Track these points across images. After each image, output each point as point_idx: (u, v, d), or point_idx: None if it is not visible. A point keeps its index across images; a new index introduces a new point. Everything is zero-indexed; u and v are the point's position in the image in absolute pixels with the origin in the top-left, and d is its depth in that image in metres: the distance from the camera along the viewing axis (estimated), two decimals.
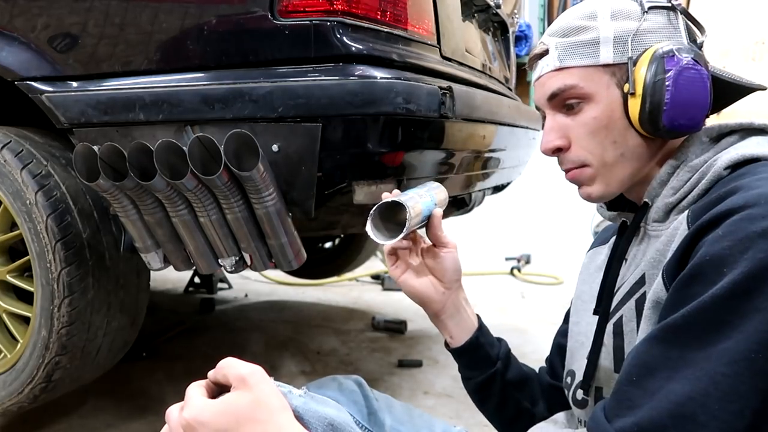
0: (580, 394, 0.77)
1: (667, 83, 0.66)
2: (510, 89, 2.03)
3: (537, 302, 3.09)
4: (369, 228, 0.81)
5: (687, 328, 0.54)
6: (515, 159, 1.80)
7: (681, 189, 0.68)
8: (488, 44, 1.81)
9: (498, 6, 1.77)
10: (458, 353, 0.93)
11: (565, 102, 0.72)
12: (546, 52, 0.73)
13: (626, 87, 0.68)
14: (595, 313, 0.77)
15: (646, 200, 0.72)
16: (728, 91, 0.74)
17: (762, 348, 0.50)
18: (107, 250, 1.26)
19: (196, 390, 0.60)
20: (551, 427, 0.89)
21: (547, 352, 0.99)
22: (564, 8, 5.01)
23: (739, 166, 0.64)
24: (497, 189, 2.06)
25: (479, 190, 1.81)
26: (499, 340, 0.95)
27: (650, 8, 0.70)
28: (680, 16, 0.70)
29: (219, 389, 0.61)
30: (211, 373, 0.61)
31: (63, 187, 1.22)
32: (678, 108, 0.66)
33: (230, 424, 0.55)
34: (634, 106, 0.68)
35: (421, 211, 0.81)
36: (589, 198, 0.76)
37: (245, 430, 0.55)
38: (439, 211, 0.86)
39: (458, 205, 1.81)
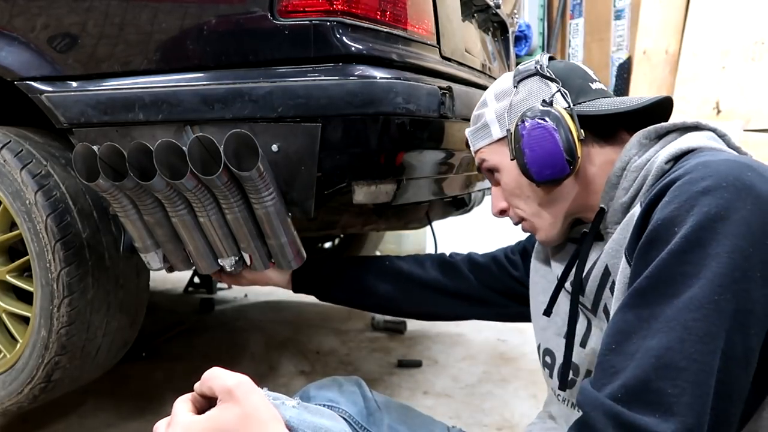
0: (569, 375, 0.83)
1: (523, 148, 0.77)
2: None
3: None
4: None
5: (653, 288, 0.58)
6: None
7: (631, 188, 0.74)
8: (488, 44, 1.81)
9: (498, 6, 1.77)
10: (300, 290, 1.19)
11: (488, 174, 0.90)
12: (467, 141, 0.93)
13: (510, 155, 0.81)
14: (544, 313, 0.88)
15: (602, 205, 0.78)
16: (653, 110, 0.80)
17: (723, 289, 0.54)
18: (107, 250, 1.26)
19: (182, 406, 0.59)
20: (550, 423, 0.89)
21: None
22: (563, 9, 5.01)
23: (678, 159, 0.69)
24: None
25: (479, 190, 1.81)
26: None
27: (519, 81, 0.84)
28: (545, 79, 0.81)
29: (207, 402, 0.59)
30: (197, 386, 0.60)
31: (62, 187, 1.22)
32: (537, 164, 0.77)
33: None
34: (519, 169, 0.80)
35: None
36: (544, 244, 0.89)
37: None
38: None
39: (458, 205, 1.82)
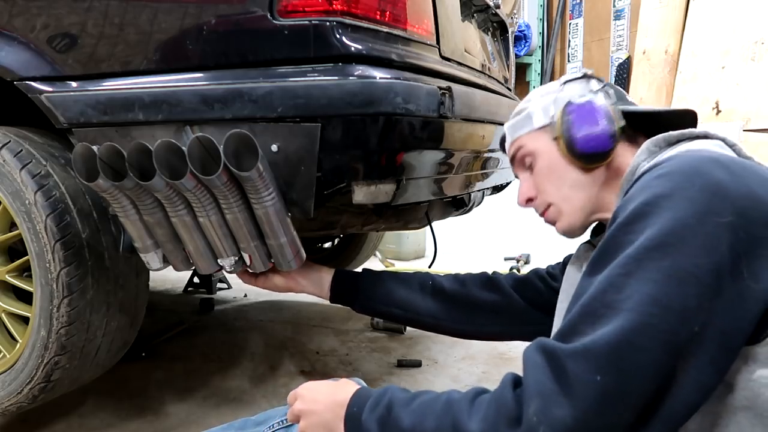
0: None
1: (573, 121, 0.85)
2: (509, 89, 2.03)
3: None
4: None
5: (600, 256, 0.67)
6: None
7: None
8: (487, 44, 1.81)
9: (497, 6, 1.77)
10: (338, 302, 1.21)
11: (521, 161, 0.94)
12: (504, 135, 0.99)
13: (553, 135, 0.88)
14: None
15: (615, 214, 0.82)
16: (661, 120, 0.87)
17: (650, 250, 0.61)
18: (106, 250, 1.26)
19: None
20: None
21: None
22: (563, 9, 5.01)
23: None
24: (497, 189, 2.07)
25: (479, 190, 1.81)
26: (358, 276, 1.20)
27: (565, 83, 0.92)
28: (593, 80, 0.90)
29: None
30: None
31: (62, 187, 1.22)
32: (584, 137, 0.84)
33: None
34: (562, 146, 0.87)
35: None
36: (564, 233, 0.93)
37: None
38: None
39: (457, 205, 1.82)
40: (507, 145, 0.98)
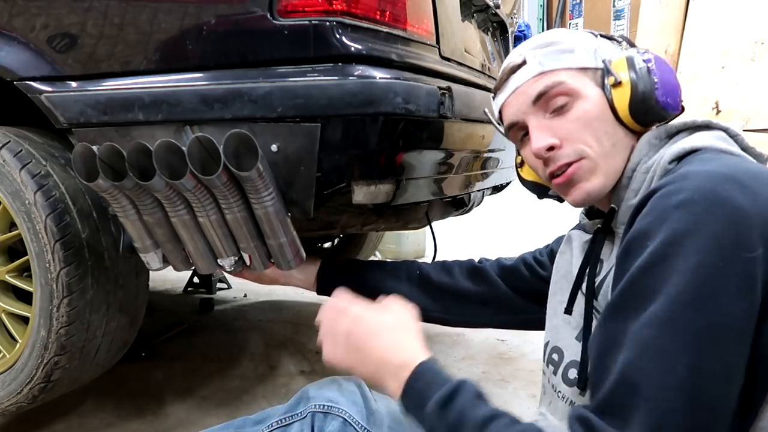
0: (573, 373, 0.82)
1: (652, 68, 0.75)
2: None
3: None
4: None
5: (622, 302, 0.61)
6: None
7: (640, 190, 0.73)
8: (487, 44, 1.81)
9: (497, 6, 1.77)
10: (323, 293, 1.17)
11: (551, 101, 0.78)
12: (523, 63, 0.80)
13: (611, 80, 0.76)
14: (565, 312, 0.85)
15: (613, 205, 0.78)
16: None
17: (684, 307, 0.55)
18: (106, 250, 1.26)
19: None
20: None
21: None
22: (563, 9, 5.02)
23: (681, 159, 0.69)
24: (497, 189, 2.07)
25: (478, 190, 1.81)
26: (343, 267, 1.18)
27: (601, 36, 0.83)
28: (624, 44, 0.82)
29: None
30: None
31: (62, 187, 1.22)
32: (666, 87, 0.75)
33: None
34: (623, 95, 0.75)
35: None
36: (586, 196, 0.78)
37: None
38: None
39: (457, 205, 1.82)
40: (525, 75, 0.80)
